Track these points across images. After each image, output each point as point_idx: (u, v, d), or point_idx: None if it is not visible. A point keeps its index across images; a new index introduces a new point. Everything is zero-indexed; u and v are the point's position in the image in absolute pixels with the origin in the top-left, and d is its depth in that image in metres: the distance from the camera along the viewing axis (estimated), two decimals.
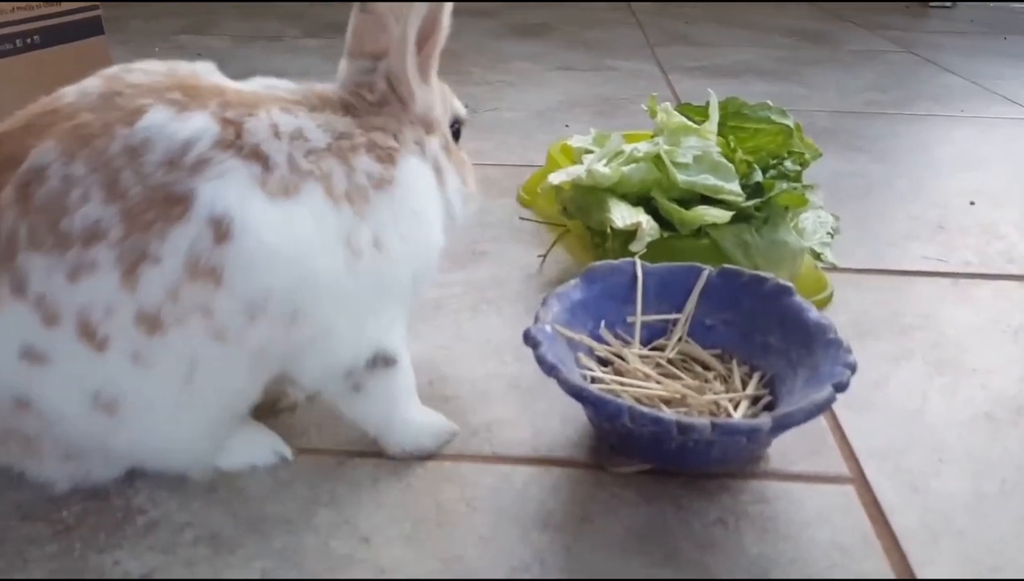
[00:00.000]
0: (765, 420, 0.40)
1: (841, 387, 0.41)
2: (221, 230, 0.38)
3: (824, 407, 0.41)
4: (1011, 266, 0.72)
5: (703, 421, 0.39)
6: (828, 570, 0.40)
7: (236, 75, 0.46)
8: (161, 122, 0.39)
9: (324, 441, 0.48)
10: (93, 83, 0.41)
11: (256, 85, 0.45)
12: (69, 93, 0.41)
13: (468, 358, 0.57)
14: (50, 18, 1.07)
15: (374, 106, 0.46)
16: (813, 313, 0.48)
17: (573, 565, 0.40)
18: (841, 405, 0.48)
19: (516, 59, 1.47)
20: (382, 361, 0.44)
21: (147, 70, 0.42)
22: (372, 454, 0.47)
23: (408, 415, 0.47)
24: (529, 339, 0.45)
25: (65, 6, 1.09)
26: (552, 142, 0.85)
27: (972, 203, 0.86)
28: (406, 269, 0.44)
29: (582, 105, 1.19)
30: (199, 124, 0.39)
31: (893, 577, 0.40)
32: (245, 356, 0.40)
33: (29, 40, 1.05)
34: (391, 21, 0.45)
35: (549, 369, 0.43)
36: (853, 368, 0.43)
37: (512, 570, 0.39)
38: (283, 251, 0.39)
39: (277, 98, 0.43)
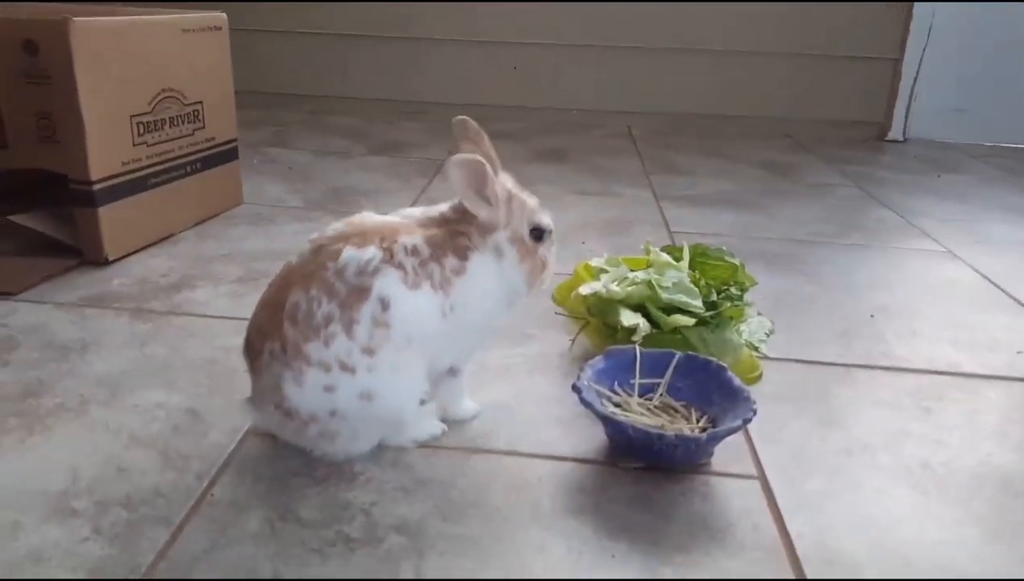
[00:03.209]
0: (703, 435, 0.74)
1: (747, 421, 0.76)
2: (384, 303, 0.72)
3: (735, 430, 0.75)
4: (886, 360, 1.07)
5: (670, 433, 0.73)
6: (734, 525, 0.73)
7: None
8: (352, 254, 0.72)
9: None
10: (305, 247, 0.75)
11: (398, 217, 0.79)
12: (293, 258, 0.75)
13: (527, 402, 0.91)
14: (207, 149, 1.45)
15: (458, 220, 0.77)
16: (737, 382, 0.82)
17: (610, 509, 0.73)
18: (756, 436, 0.82)
19: (541, 182, 1.85)
20: (452, 371, 0.81)
21: (335, 227, 0.76)
22: (488, 451, 0.81)
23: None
24: (575, 388, 0.79)
25: (217, 139, 1.47)
26: (574, 258, 1.21)
27: (872, 316, 1.22)
28: (472, 325, 0.78)
29: (594, 226, 1.56)
30: (372, 252, 0.73)
31: (775, 530, 0.73)
32: (416, 357, 0.74)
33: (193, 166, 1.43)
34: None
35: (587, 405, 0.77)
36: (755, 412, 0.77)
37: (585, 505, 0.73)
38: (411, 315, 0.73)
39: (405, 226, 0.76)
